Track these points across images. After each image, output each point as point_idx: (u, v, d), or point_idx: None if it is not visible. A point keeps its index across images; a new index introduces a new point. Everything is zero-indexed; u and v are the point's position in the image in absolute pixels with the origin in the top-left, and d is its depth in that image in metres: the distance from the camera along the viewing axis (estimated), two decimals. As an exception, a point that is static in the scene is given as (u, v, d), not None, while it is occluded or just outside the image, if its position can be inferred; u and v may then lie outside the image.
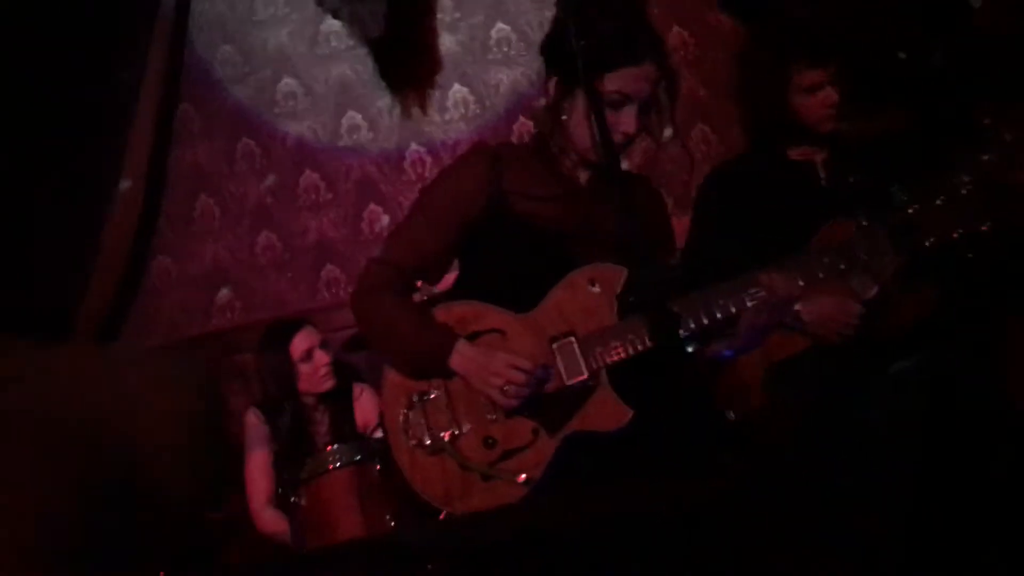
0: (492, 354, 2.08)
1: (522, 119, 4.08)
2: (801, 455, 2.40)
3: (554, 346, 2.10)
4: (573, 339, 2.09)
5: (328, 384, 3.51)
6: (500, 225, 2.15)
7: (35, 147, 3.66)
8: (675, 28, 3.99)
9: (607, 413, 2.04)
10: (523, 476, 2.04)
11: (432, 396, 2.12)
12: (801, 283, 1.99)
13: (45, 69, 3.60)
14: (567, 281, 2.12)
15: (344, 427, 3.51)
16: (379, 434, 3.52)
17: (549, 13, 3.91)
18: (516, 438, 2.08)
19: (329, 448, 3.10)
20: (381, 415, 2.21)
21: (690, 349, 2.17)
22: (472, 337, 2.13)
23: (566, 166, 2.22)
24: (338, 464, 3.02)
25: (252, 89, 4.22)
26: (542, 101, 3.97)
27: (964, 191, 2.03)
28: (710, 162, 3.69)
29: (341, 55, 4.17)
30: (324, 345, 3.54)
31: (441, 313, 2.17)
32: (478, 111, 4.13)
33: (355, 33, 4.02)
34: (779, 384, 2.58)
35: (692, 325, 2.06)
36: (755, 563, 2.04)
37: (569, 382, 2.07)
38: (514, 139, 4.07)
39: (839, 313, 2.54)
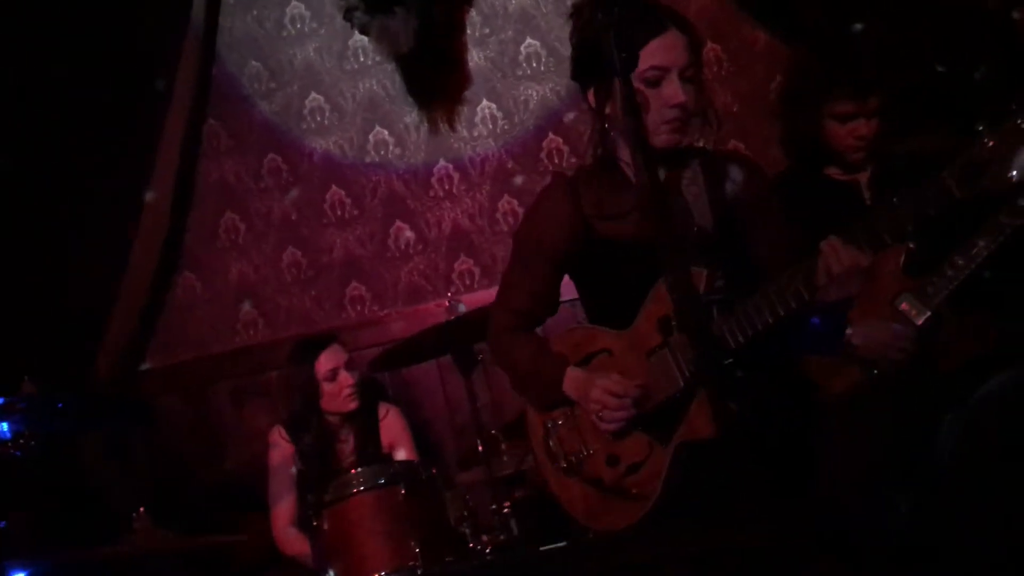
0: (591, 380, 2.15)
1: (551, 135, 4.05)
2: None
3: (651, 359, 2.10)
4: (667, 350, 2.07)
5: (352, 405, 3.46)
6: (589, 248, 2.21)
7: (63, 157, 3.65)
8: (709, 44, 3.92)
9: (707, 420, 2.00)
10: (634, 492, 2.11)
11: (560, 423, 2.25)
12: (868, 250, 1.89)
13: (73, 78, 3.60)
14: (653, 292, 2.11)
15: (369, 448, 3.46)
16: (401, 455, 3.48)
17: (579, 29, 3.95)
18: (635, 454, 2.13)
19: (353, 471, 3.04)
20: (531, 447, 2.36)
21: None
22: (586, 360, 2.22)
23: (634, 177, 2.18)
24: (362, 488, 2.97)
25: (279, 105, 4.20)
26: (570, 116, 3.98)
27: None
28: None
29: (369, 70, 4.15)
30: (350, 365, 3.50)
31: (558, 342, 2.29)
32: (507, 127, 4.09)
33: (383, 49, 4.00)
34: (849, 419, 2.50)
35: (763, 320, 1.98)
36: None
37: (665, 394, 2.07)
38: (543, 156, 4.05)
39: (891, 337, 2.52)
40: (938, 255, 2.59)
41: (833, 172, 2.82)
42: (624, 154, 2.19)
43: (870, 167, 2.79)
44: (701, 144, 2.23)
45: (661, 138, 2.10)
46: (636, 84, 2.03)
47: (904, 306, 2.60)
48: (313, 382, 3.44)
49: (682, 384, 2.03)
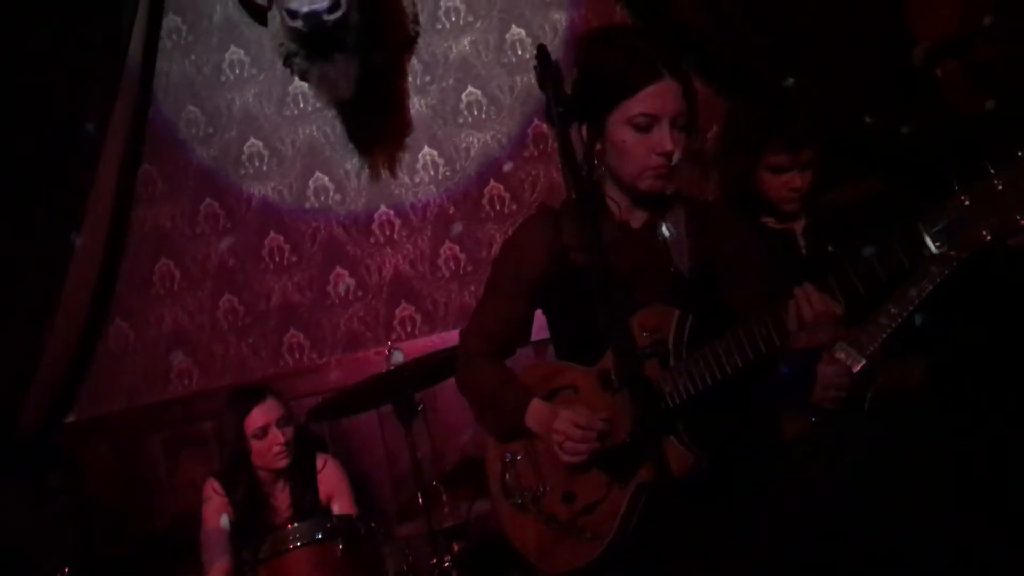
0: (556, 412, 2.11)
1: (492, 183, 4.05)
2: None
3: (615, 397, 2.08)
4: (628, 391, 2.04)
5: (282, 463, 3.37)
6: (565, 280, 2.20)
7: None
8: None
9: (671, 461, 1.95)
10: (588, 533, 2.07)
11: (519, 456, 2.22)
12: (841, 299, 1.90)
13: (2, 119, 3.52)
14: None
15: (306, 501, 3.37)
16: (339, 508, 3.40)
17: (520, 78, 4.00)
18: (592, 492, 2.10)
19: (289, 526, 2.97)
20: (486, 478, 2.30)
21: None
22: (551, 395, 2.19)
23: (618, 213, 2.20)
24: (299, 543, 2.90)
25: (217, 150, 4.15)
26: (510, 165, 3.98)
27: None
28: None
29: (309, 116, 4.12)
30: (284, 422, 3.40)
31: (526, 374, 2.26)
32: (448, 174, 4.07)
33: (323, 95, 3.96)
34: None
35: (726, 366, 1.97)
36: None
37: (627, 434, 2.05)
38: (485, 203, 4.04)
39: (831, 385, 2.54)
40: (872, 303, 2.63)
41: (768, 221, 2.86)
42: (610, 189, 2.20)
43: (804, 217, 2.84)
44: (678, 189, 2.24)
45: (645, 183, 2.11)
46: (624, 128, 2.06)
47: (841, 355, 2.64)
48: (242, 437, 3.35)
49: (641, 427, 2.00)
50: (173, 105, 4.15)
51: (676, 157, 2.09)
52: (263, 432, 3.35)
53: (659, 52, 2.09)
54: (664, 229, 2.19)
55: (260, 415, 3.36)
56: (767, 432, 2.41)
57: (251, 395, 3.43)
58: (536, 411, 2.17)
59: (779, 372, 2.14)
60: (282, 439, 3.35)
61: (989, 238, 1.71)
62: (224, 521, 3.29)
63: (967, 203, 1.72)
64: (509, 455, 2.25)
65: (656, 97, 2.05)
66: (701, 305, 2.09)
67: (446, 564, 3.08)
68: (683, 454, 1.98)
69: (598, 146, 2.13)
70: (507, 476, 2.24)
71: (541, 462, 2.19)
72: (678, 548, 1.90)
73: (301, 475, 3.42)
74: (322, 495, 3.44)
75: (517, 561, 2.22)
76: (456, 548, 3.14)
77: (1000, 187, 1.69)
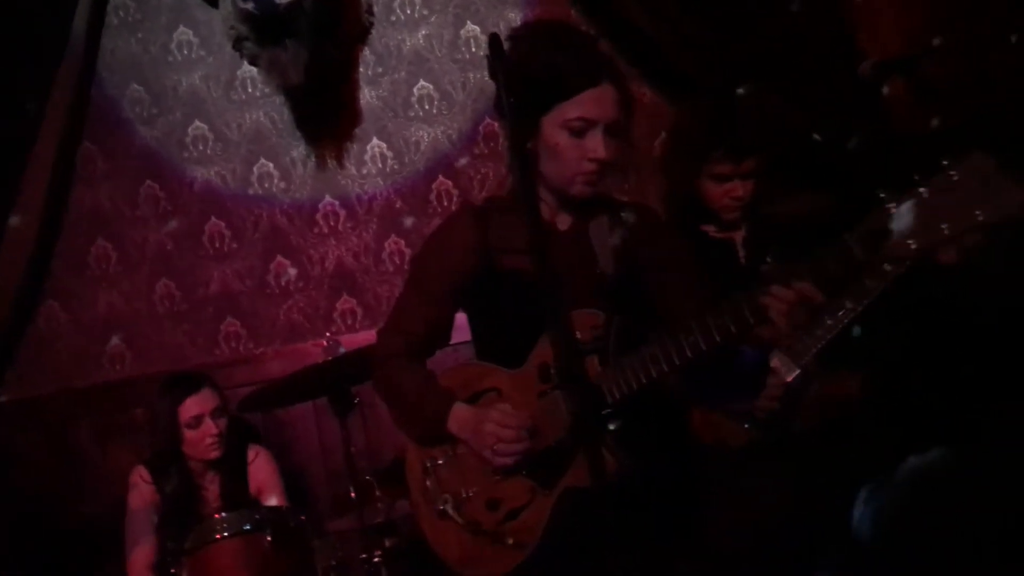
0: (483, 414, 2.07)
1: (441, 178, 4.02)
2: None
3: (541, 401, 2.05)
4: (558, 393, 2.03)
5: (213, 454, 3.31)
6: (490, 281, 2.16)
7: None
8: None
9: (599, 466, 1.93)
10: (510, 540, 2.04)
11: (440, 462, 2.17)
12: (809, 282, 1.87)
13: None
14: (545, 334, 2.06)
15: (235, 493, 3.31)
16: (271, 501, 3.36)
17: (473, 75, 3.98)
18: (516, 498, 2.06)
19: (217, 516, 2.91)
20: (407, 484, 2.25)
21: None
22: (473, 398, 2.14)
23: (546, 213, 2.17)
24: (226, 534, 2.85)
25: (160, 132, 4.07)
26: (462, 161, 3.98)
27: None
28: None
29: (257, 102, 4.06)
30: (218, 412, 3.33)
31: (447, 377, 2.21)
32: (396, 167, 4.04)
33: (273, 81, 3.92)
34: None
35: (692, 347, 1.94)
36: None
37: (552, 438, 2.02)
38: (432, 198, 4.01)
39: (769, 385, 2.55)
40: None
41: (709, 229, 2.87)
42: (538, 190, 2.16)
43: (745, 226, 2.85)
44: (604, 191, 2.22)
45: (575, 188, 2.09)
46: (559, 131, 2.03)
47: (775, 363, 2.65)
48: (175, 426, 3.28)
49: (568, 430, 2.00)
50: (117, 84, 4.06)
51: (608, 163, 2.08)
52: (196, 422, 3.29)
53: (600, 56, 2.08)
54: (591, 232, 2.17)
55: (195, 404, 3.30)
56: (694, 440, 2.42)
57: (187, 383, 3.35)
58: (460, 416, 2.12)
59: (741, 358, 2.13)
60: (215, 430, 3.29)
61: (915, 248, 1.72)
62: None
63: (893, 214, 1.73)
64: (430, 461, 2.19)
65: (594, 102, 2.03)
66: (626, 308, 2.08)
67: (376, 560, 3.05)
68: (609, 460, 1.95)
69: (530, 145, 2.10)
70: (428, 482, 2.18)
71: (464, 467, 2.14)
72: (602, 555, 1.89)
73: (232, 466, 3.36)
74: (252, 487, 3.39)
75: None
76: (387, 544, 3.12)
77: (927, 198, 1.70)
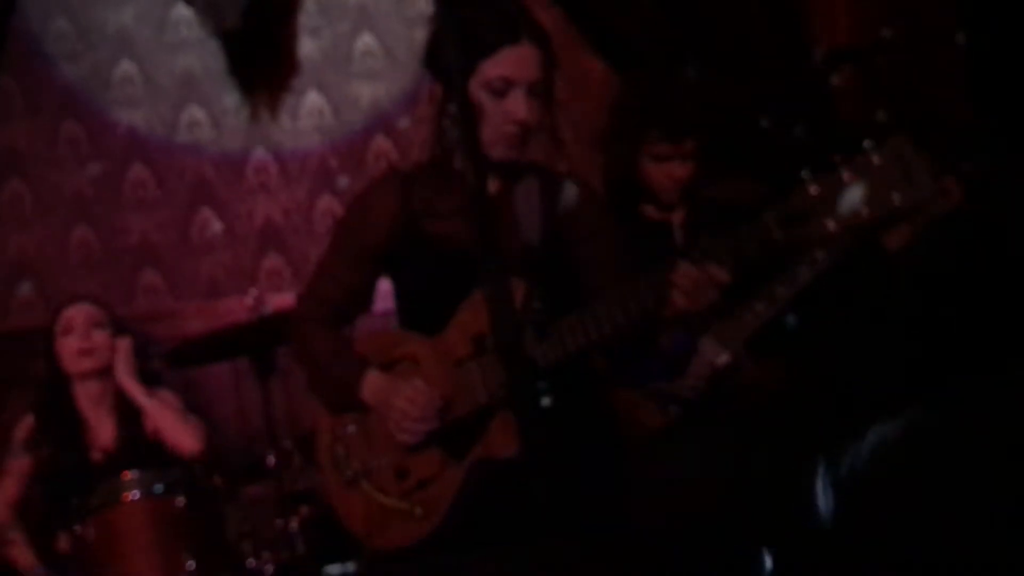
0: (394, 384, 2.05)
1: (380, 138, 3.94)
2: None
3: (456, 371, 2.01)
4: (475, 364, 1.99)
5: (85, 365, 3.17)
6: (414, 247, 2.12)
7: None
8: (546, 66, 3.94)
9: (505, 439, 1.93)
10: (418, 510, 2.02)
11: (350, 429, 2.14)
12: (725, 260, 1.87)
13: None
14: (470, 300, 2.01)
15: (130, 433, 3.15)
16: (174, 441, 3.17)
17: (419, 32, 3.87)
18: (426, 468, 2.03)
19: (127, 475, 2.79)
20: (316, 451, 2.21)
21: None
22: (389, 365, 2.11)
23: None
24: (136, 493, 2.74)
25: (85, 70, 3.92)
26: (404, 122, 3.89)
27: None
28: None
29: (189, 45, 3.92)
30: (97, 326, 3.22)
31: (363, 343, 2.18)
32: (334, 123, 3.94)
33: (208, 24, 3.79)
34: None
35: (590, 336, 1.93)
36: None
37: (466, 409, 1.99)
38: (370, 158, 3.93)
39: (698, 367, 2.57)
40: (739, 297, 2.65)
41: (648, 210, 2.86)
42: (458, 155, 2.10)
43: (683, 208, 2.84)
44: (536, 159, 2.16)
45: (497, 151, 2.03)
46: (480, 91, 1.97)
47: (705, 346, 2.65)
48: (50, 340, 3.19)
49: (485, 400, 1.97)
50: (40, 17, 3.91)
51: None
52: (67, 329, 3.19)
53: (520, 14, 2.03)
54: (517, 199, 2.12)
55: (70, 314, 3.22)
56: (615, 419, 2.40)
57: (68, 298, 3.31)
58: (373, 383, 2.09)
59: (662, 345, 2.10)
60: (89, 341, 3.17)
61: (832, 229, 1.73)
62: None
63: (813, 192, 1.74)
64: (340, 428, 2.16)
65: (515, 62, 1.98)
66: (549, 280, 2.04)
67: (292, 528, 2.98)
68: (524, 432, 1.92)
69: (451, 108, 2.03)
70: (338, 449, 2.15)
71: (374, 436, 2.10)
72: (510, 529, 1.86)
73: (125, 404, 3.20)
74: (148, 427, 3.22)
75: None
76: (304, 512, 3.04)
77: (846, 180, 1.71)
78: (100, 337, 3.20)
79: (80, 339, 3.17)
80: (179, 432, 3.18)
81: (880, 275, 2.68)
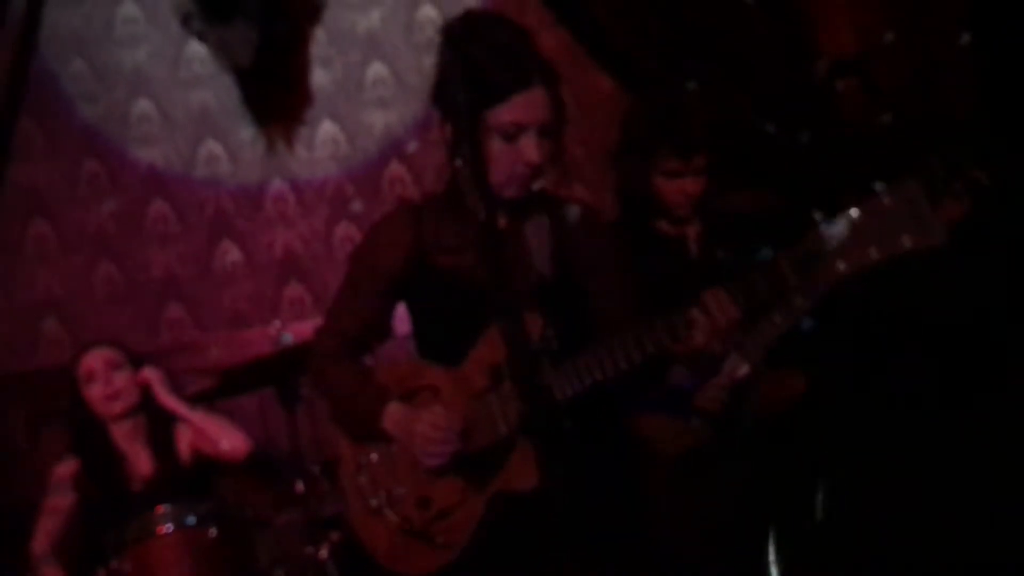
0: (416, 414, 2.06)
1: (394, 164, 3.96)
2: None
3: (475, 403, 2.03)
4: (493, 396, 2.00)
5: (116, 409, 3.23)
6: (426, 279, 2.14)
7: None
8: (556, 84, 3.96)
9: (526, 471, 1.93)
10: (440, 539, 2.04)
11: (373, 458, 2.15)
12: (742, 302, 1.89)
13: None
14: (486, 335, 2.03)
15: (166, 462, 3.21)
16: (224, 446, 3.20)
17: (428, 58, 3.88)
18: (447, 498, 2.05)
19: (160, 509, 2.84)
20: (339, 480, 2.24)
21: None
22: (409, 395, 2.12)
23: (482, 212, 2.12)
24: (169, 527, 2.78)
25: (103, 109, 3.97)
26: (414, 146, 3.93)
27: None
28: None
29: (204, 81, 3.97)
30: (117, 367, 3.27)
31: (384, 373, 2.19)
32: (348, 151, 3.97)
33: (221, 60, 3.83)
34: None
35: (606, 371, 1.94)
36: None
37: (487, 440, 2.00)
38: (384, 184, 3.95)
39: (713, 389, 2.56)
40: (757, 311, 2.66)
41: (662, 224, 2.88)
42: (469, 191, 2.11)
43: (697, 222, 2.86)
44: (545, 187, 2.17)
45: (508, 191, 2.04)
46: (491, 135, 1.97)
47: (728, 360, 2.66)
48: (76, 388, 3.25)
49: (504, 433, 1.98)
50: (58, 59, 3.96)
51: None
52: (90, 376, 3.24)
53: (530, 57, 2.01)
54: (528, 232, 2.13)
55: (89, 360, 3.26)
56: (633, 443, 2.41)
57: (84, 346, 3.35)
58: (394, 414, 2.11)
59: (680, 382, 2.13)
60: (114, 385, 3.23)
61: (843, 270, 1.76)
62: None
63: (826, 236, 1.77)
64: (363, 457, 2.18)
65: (526, 107, 1.97)
66: (565, 311, 2.06)
67: (322, 554, 3.00)
68: (543, 464, 1.92)
69: (462, 148, 2.00)
70: (361, 477, 2.17)
71: (397, 465, 2.12)
72: (530, 558, 1.90)
73: (158, 431, 3.27)
74: (182, 448, 3.28)
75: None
76: (334, 538, 3.07)
77: (857, 221, 1.75)
78: (121, 379, 3.26)
79: (104, 385, 3.23)
80: (228, 434, 3.28)
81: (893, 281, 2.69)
